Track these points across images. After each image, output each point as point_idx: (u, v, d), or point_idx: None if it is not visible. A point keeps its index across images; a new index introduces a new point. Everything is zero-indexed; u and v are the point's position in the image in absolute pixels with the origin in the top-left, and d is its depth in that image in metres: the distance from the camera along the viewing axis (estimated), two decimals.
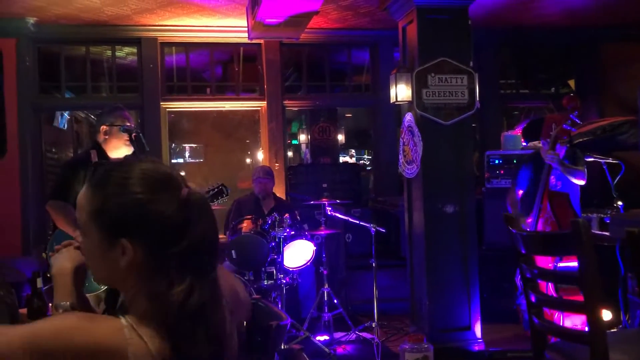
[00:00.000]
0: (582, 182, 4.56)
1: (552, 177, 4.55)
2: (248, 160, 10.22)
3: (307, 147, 9.48)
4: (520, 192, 4.84)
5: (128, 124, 3.82)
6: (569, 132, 4.44)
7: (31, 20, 6.24)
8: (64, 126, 8.36)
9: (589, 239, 1.88)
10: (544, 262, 4.28)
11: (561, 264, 4.08)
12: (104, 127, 3.93)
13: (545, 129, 4.54)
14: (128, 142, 3.81)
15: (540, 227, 4.41)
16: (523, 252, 2.27)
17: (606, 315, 4.69)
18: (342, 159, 10.79)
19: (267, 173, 5.82)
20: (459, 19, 4.98)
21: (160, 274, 1.22)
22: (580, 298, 2.04)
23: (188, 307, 1.20)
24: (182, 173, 9.74)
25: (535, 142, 6.37)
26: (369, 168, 9.98)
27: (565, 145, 4.61)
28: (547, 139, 4.49)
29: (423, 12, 4.90)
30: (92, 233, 1.26)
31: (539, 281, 2.48)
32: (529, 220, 4.54)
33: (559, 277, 2.66)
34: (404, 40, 5.24)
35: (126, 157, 3.54)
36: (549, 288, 4.16)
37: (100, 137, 3.91)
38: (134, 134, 3.72)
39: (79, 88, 7.07)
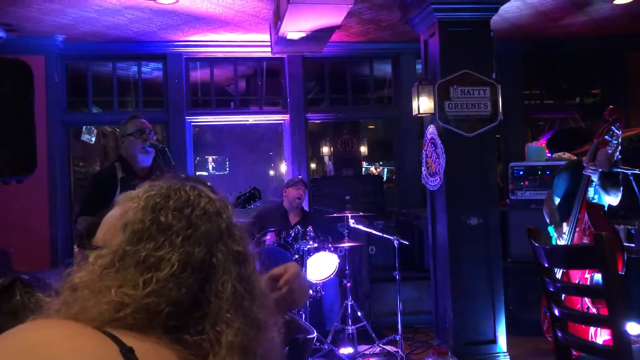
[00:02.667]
0: (615, 202, 4.51)
1: (590, 188, 4.50)
2: (272, 173, 10.28)
3: (329, 159, 9.51)
4: (557, 200, 4.80)
5: (140, 130, 3.84)
6: (610, 142, 4.39)
7: (60, 37, 6.39)
8: (91, 140, 8.51)
9: (613, 252, 1.86)
10: (580, 275, 4.23)
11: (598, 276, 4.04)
12: (120, 139, 4.00)
13: (594, 137, 4.51)
14: (143, 149, 3.84)
15: (577, 237, 4.37)
16: (546, 265, 2.26)
17: (634, 328, 4.61)
18: (368, 170, 10.79)
19: (305, 183, 5.86)
20: (480, 31, 4.97)
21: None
22: None
23: None
24: (209, 184, 9.85)
25: (560, 153, 6.33)
26: (388, 177, 9.97)
27: (609, 155, 4.55)
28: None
29: (445, 25, 4.91)
30: None
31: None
32: (564, 227, 4.50)
33: (583, 290, 2.63)
34: (426, 53, 5.25)
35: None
36: (585, 301, 4.11)
37: (121, 150, 3.98)
38: (159, 148, 3.79)
39: (105, 103, 7.21)
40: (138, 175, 3.83)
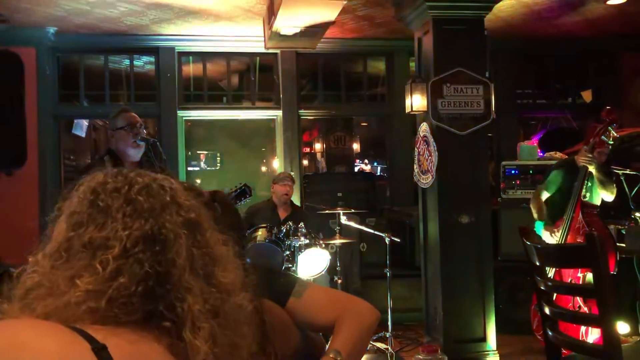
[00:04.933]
0: (610, 198, 4.53)
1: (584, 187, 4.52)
2: (263, 169, 10.26)
3: (322, 155, 9.50)
4: (546, 196, 4.80)
5: (130, 124, 3.80)
6: (606, 143, 4.42)
7: (51, 29, 6.34)
8: (82, 132, 8.46)
9: (604, 251, 1.87)
10: (572, 274, 4.25)
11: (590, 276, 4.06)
12: (110, 133, 3.95)
13: (589, 136, 4.52)
14: (134, 143, 3.80)
15: (571, 236, 4.39)
16: (537, 264, 2.26)
17: (623, 327, 4.64)
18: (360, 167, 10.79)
19: (292, 179, 5.86)
20: (474, 29, 4.97)
21: None
22: None
23: None
24: (198, 181, 9.81)
25: (552, 153, 6.36)
26: (382, 174, 9.97)
27: (605, 156, 4.58)
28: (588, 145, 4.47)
29: (439, 22, 4.91)
30: None
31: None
32: (557, 227, 4.51)
33: (574, 289, 2.64)
34: (420, 51, 5.25)
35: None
36: (576, 300, 4.13)
37: (111, 144, 3.93)
38: (150, 143, 3.76)
39: (97, 96, 7.16)
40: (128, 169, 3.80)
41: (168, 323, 0.94)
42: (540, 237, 4.66)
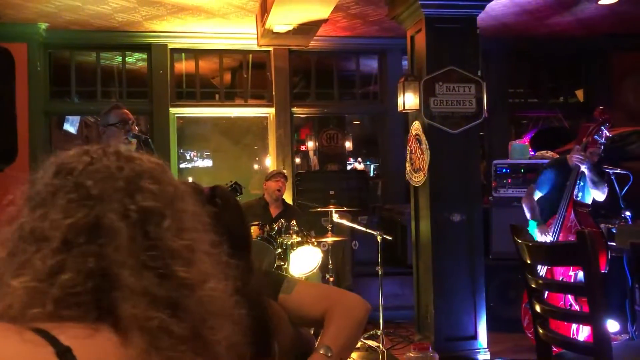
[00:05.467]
0: (601, 198, 4.55)
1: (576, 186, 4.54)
2: (256, 166, 10.25)
3: (314, 153, 9.50)
4: (539, 195, 4.82)
5: (122, 121, 3.77)
6: (599, 142, 4.44)
7: (42, 25, 6.30)
8: (75, 127, 8.43)
9: (595, 249, 1.88)
10: (564, 272, 4.27)
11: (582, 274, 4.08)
12: (101, 129, 3.93)
13: (581, 136, 4.54)
14: (126, 140, 3.78)
15: (563, 235, 4.41)
16: (528, 262, 2.27)
17: (613, 326, 4.67)
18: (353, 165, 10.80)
19: (285, 176, 5.86)
20: (467, 28, 4.98)
21: None
22: None
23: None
24: (190, 179, 9.79)
25: (543, 152, 6.38)
26: (375, 174, 9.98)
27: (598, 156, 4.60)
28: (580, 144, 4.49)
29: (431, 21, 4.91)
30: None
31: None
32: (551, 225, 4.53)
33: (565, 287, 2.66)
34: (412, 49, 5.25)
35: None
36: (568, 297, 4.15)
37: (102, 141, 3.91)
38: (142, 139, 3.75)
39: (89, 93, 7.13)
40: None
41: (112, 322, 0.85)
42: (532, 236, 4.68)
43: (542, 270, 4.27)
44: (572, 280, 4.16)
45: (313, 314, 1.63)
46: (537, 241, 4.51)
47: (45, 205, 0.90)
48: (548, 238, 4.52)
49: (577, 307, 4.11)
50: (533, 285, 2.26)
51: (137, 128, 3.92)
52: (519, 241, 2.31)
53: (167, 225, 0.92)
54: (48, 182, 0.92)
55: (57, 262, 0.84)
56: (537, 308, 2.26)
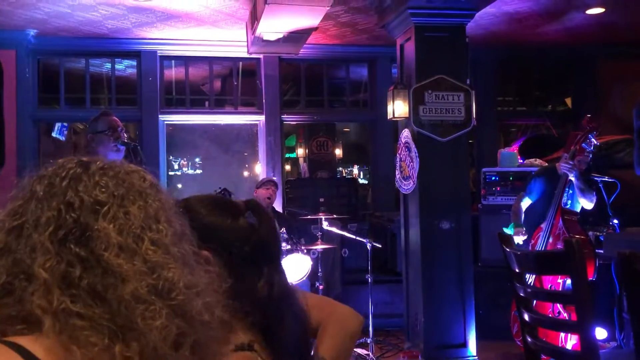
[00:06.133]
0: (590, 206, 4.58)
1: (564, 194, 4.57)
2: (246, 174, 10.23)
3: (304, 161, 9.50)
4: (528, 202, 4.86)
5: (112, 128, 3.75)
6: (586, 150, 4.47)
7: (31, 32, 6.28)
8: (63, 135, 8.38)
9: (582, 258, 1.89)
10: (552, 280, 4.29)
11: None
12: (90, 137, 3.90)
13: (569, 144, 4.57)
14: (115, 147, 3.76)
15: (551, 243, 4.43)
16: (517, 270, 2.28)
17: (601, 333, 4.70)
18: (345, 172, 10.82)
19: (275, 184, 5.85)
20: (456, 36, 5.02)
21: (240, 275, 1.29)
22: None
23: (274, 295, 1.32)
24: (179, 185, 9.75)
25: (532, 160, 6.42)
26: (365, 182, 9.99)
27: (586, 164, 4.64)
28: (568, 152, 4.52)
29: (421, 30, 4.94)
30: None
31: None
32: (539, 233, 4.55)
33: (553, 296, 2.67)
34: (402, 57, 5.27)
35: None
36: (557, 305, 4.16)
37: (91, 148, 3.88)
38: (131, 147, 3.74)
39: (78, 100, 7.10)
40: None
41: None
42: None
43: (530, 277, 4.29)
44: (560, 288, 4.19)
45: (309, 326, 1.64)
46: (525, 250, 4.55)
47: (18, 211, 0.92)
48: (521, 238, 4.57)
49: (565, 315, 4.12)
50: (521, 294, 2.27)
51: (126, 135, 3.90)
52: (507, 250, 2.32)
53: (105, 212, 0.90)
54: (13, 195, 0.95)
55: None
56: (526, 317, 2.27)
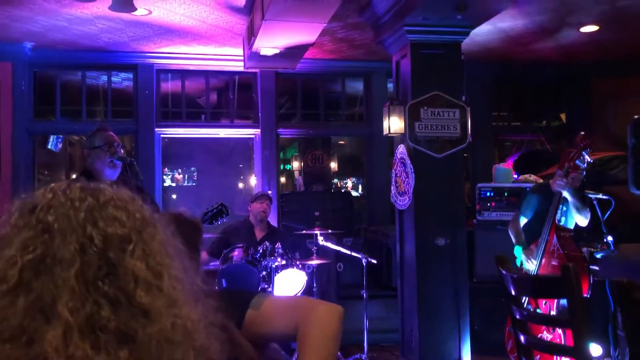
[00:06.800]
0: (584, 222, 4.60)
1: (558, 211, 4.58)
2: (241, 185, 10.22)
3: (300, 174, 9.51)
4: (524, 220, 4.87)
5: (108, 144, 3.74)
6: (580, 167, 4.49)
7: (28, 45, 6.28)
8: (57, 148, 8.37)
9: (579, 283, 1.90)
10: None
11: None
12: (86, 152, 3.89)
13: (563, 161, 4.59)
14: (111, 163, 3.75)
15: (545, 260, 4.44)
16: (513, 293, 2.29)
17: (596, 350, 4.70)
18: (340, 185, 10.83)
19: (269, 197, 5.86)
20: (452, 53, 5.06)
21: None
22: None
23: None
24: (174, 196, 9.73)
25: (527, 175, 6.45)
26: (360, 194, 10.00)
27: (580, 181, 4.66)
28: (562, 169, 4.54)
29: (417, 46, 4.98)
30: None
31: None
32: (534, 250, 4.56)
33: (550, 320, 2.67)
34: (398, 74, 5.31)
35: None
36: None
37: (87, 163, 3.87)
38: (127, 162, 3.73)
39: (74, 112, 7.09)
40: None
41: None
42: (518, 261, 4.72)
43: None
44: (555, 304, 4.19)
45: (284, 329, 1.61)
46: (522, 272, 4.56)
47: (6, 246, 0.87)
48: (533, 263, 4.55)
49: (560, 332, 4.13)
50: (518, 317, 2.28)
51: (122, 151, 3.90)
52: (504, 272, 2.33)
53: (132, 250, 0.88)
54: (13, 223, 0.91)
55: (9, 302, 0.81)
56: (522, 339, 2.27)
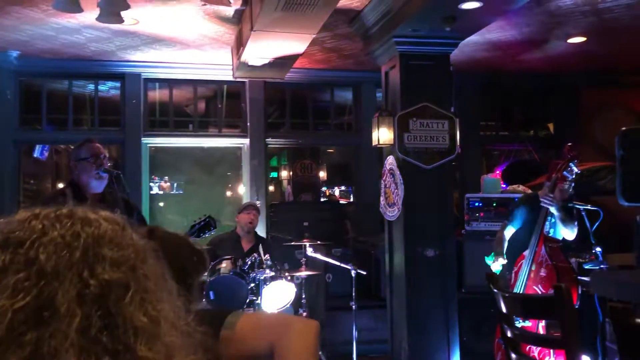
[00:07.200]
0: (572, 236, 4.61)
1: (547, 222, 4.59)
2: (229, 193, 10.16)
3: (288, 183, 9.48)
4: (512, 230, 4.87)
5: (94, 156, 3.70)
6: (568, 178, 4.50)
7: (14, 53, 6.22)
8: (43, 157, 8.28)
9: (572, 304, 1.89)
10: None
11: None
12: (72, 164, 3.85)
13: (550, 172, 4.60)
14: (97, 175, 3.71)
15: (535, 271, 4.44)
16: (504, 312, 2.28)
17: None
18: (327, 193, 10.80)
19: (256, 207, 5.82)
20: (441, 65, 5.06)
21: None
22: None
23: None
24: (161, 204, 9.65)
25: (515, 186, 6.46)
26: (344, 202, 9.98)
27: (568, 193, 4.67)
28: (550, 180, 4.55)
29: (406, 58, 4.98)
30: None
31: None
32: (522, 260, 4.56)
33: (541, 340, 2.66)
34: (387, 84, 5.30)
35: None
36: (539, 328, 4.17)
37: (73, 175, 3.83)
38: (114, 175, 3.69)
39: (60, 121, 7.02)
40: (89, 201, 3.71)
41: None
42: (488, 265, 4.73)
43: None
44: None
45: (260, 348, 1.58)
46: (513, 292, 4.57)
47: None
48: (499, 263, 4.56)
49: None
50: (509, 335, 2.27)
51: (109, 163, 3.85)
52: (495, 290, 2.32)
53: (130, 297, 0.82)
54: None
55: None
56: (513, 356, 2.26)
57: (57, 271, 0.78)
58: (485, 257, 4.79)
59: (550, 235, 4.61)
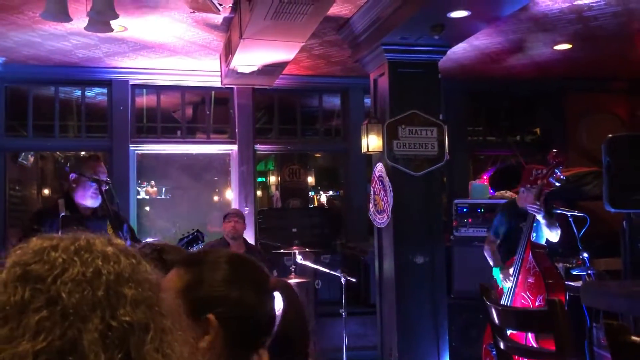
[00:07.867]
0: (555, 238, 4.66)
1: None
2: (216, 198, 10.12)
3: (277, 188, 9.46)
4: (497, 240, 4.92)
5: (96, 177, 3.70)
6: (554, 185, 4.55)
7: None
8: (27, 162, 8.21)
9: (566, 318, 1.91)
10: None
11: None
12: (73, 176, 3.85)
13: (525, 177, 4.64)
14: (95, 194, 3.72)
15: (522, 277, 4.48)
16: (497, 324, 2.29)
17: None
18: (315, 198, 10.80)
19: (238, 214, 5.79)
20: (429, 72, 5.09)
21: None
22: None
23: None
24: (147, 208, 9.59)
25: (502, 192, 6.50)
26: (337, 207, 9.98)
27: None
28: (526, 185, 4.59)
29: (394, 65, 5.00)
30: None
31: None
32: (510, 270, 4.60)
33: (535, 353, 2.68)
34: (375, 92, 5.32)
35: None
36: (529, 339, 4.20)
37: (70, 188, 3.83)
38: (104, 187, 3.68)
39: (46, 127, 6.96)
40: (82, 214, 3.71)
41: None
42: (499, 282, 4.76)
43: (507, 300, 4.37)
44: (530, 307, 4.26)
45: None
46: (499, 289, 4.61)
47: (10, 324, 0.73)
48: (509, 283, 4.59)
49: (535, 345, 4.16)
50: (502, 347, 2.28)
51: (107, 187, 3.78)
52: (488, 303, 2.33)
53: (150, 339, 0.79)
54: (12, 291, 0.75)
55: None
56: None
57: (80, 312, 0.74)
58: (494, 269, 4.82)
59: (534, 239, 4.66)
